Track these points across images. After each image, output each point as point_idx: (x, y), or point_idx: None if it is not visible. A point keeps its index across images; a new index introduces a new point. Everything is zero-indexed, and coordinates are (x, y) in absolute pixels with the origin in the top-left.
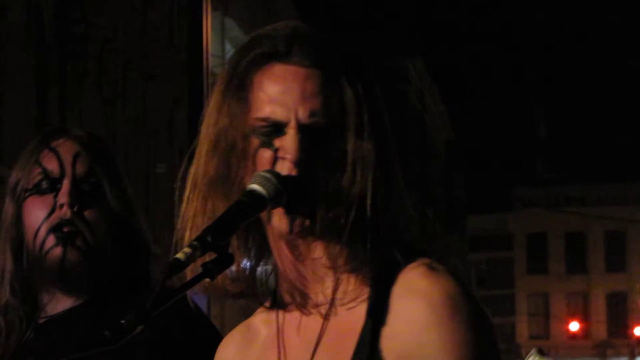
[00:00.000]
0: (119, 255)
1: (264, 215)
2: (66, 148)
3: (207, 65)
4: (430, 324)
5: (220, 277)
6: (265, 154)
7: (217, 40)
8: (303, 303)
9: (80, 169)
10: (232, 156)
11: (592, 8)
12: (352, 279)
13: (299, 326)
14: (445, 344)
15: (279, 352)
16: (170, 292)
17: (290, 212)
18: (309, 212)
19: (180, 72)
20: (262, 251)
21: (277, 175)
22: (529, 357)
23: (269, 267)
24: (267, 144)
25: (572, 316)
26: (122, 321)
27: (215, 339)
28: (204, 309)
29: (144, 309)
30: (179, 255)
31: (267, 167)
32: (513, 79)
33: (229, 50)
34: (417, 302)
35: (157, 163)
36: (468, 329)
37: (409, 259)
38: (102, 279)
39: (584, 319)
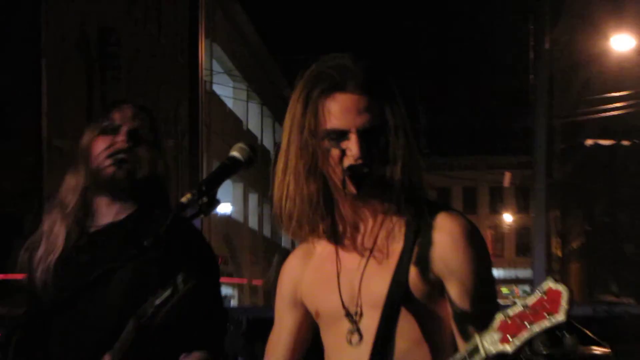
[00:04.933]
0: (155, 184)
1: (338, 187)
2: (127, 109)
3: (201, 75)
4: (454, 248)
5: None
6: (335, 152)
7: (207, 58)
8: (355, 234)
9: (134, 123)
10: (314, 154)
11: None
12: (395, 219)
13: (350, 249)
14: (463, 261)
15: (337, 262)
16: (179, 220)
17: (356, 179)
18: (370, 181)
19: (182, 79)
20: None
21: (250, 146)
22: (545, 283)
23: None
24: (336, 145)
25: None
26: (144, 242)
27: (211, 255)
28: None
29: (159, 234)
30: (183, 200)
31: (337, 161)
32: (400, 77)
33: (215, 64)
34: (445, 235)
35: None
36: (477, 251)
37: (435, 209)
38: (141, 196)
39: None
